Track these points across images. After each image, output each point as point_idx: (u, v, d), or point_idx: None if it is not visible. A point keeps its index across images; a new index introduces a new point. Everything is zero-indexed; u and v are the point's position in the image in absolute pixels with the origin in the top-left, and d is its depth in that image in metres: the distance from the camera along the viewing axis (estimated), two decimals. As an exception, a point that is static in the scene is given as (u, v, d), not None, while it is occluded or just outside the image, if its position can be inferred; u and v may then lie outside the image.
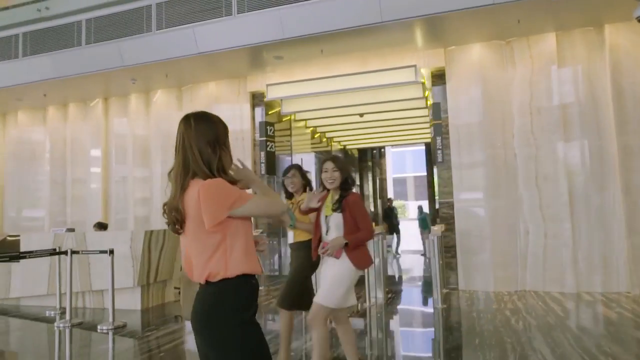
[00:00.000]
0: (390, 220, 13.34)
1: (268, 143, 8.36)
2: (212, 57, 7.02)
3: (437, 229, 6.17)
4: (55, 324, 5.53)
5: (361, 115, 9.26)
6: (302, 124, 10.07)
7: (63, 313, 6.03)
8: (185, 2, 6.85)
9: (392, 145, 14.18)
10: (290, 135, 9.50)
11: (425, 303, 6.37)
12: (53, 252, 5.64)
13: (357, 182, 14.50)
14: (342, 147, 13.24)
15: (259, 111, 8.39)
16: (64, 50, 7.53)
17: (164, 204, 1.70)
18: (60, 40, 7.56)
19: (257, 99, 8.39)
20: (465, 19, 6.18)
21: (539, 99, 6.74)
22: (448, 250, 7.09)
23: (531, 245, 6.66)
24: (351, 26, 6.25)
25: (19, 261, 6.79)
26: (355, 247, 2.94)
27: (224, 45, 6.73)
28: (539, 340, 4.21)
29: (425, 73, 7.44)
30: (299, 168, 3.60)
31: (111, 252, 5.40)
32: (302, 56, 7.22)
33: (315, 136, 11.50)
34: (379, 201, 15.36)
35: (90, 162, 9.21)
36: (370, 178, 14.94)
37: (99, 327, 5.30)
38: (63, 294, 6.20)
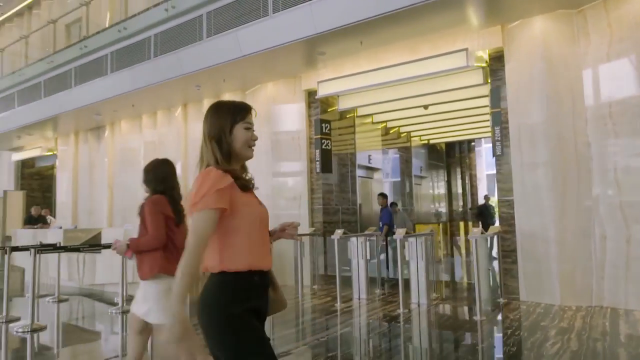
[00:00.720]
0: (484, 218, 12.24)
1: (323, 141, 8.26)
2: (257, 58, 7.15)
3: (477, 230, 5.46)
4: (110, 309, 6.20)
5: (425, 107, 8.63)
6: (368, 120, 9.76)
7: (128, 300, 6.74)
8: (229, 8, 7.11)
9: (482, 139, 12.98)
10: (353, 132, 9.28)
11: (468, 313, 5.67)
12: (106, 246, 6.31)
13: (445, 179, 13.62)
14: (425, 142, 12.52)
15: (314, 109, 8.35)
16: (138, 64, 8.39)
17: None
18: (135, 55, 8.43)
19: (312, 97, 8.35)
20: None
21: (619, 76, 5.55)
22: (508, 254, 6.25)
23: (610, 252, 5.52)
24: (384, 12, 5.81)
25: (100, 252, 7.78)
26: (135, 250, 2.81)
27: (264, 46, 6.81)
28: (562, 369, 3.47)
29: (481, 56, 6.64)
30: None
31: (150, 247, 5.85)
32: (344, 50, 6.98)
33: (391, 132, 11.07)
34: (468, 198, 14.16)
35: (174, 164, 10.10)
36: (458, 174, 13.86)
37: (139, 315, 5.79)
38: (129, 283, 6.96)
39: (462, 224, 13.12)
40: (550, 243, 5.81)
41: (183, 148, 9.99)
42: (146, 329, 2.85)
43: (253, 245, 1.64)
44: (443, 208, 13.52)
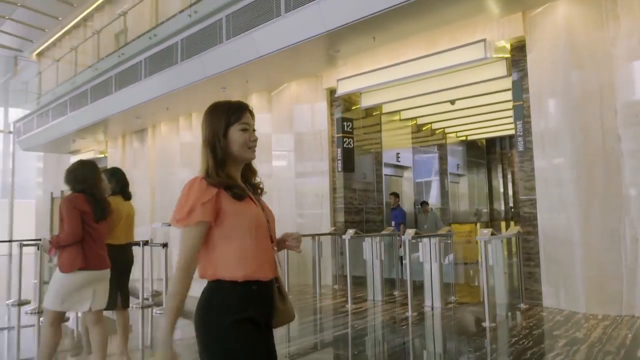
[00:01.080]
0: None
1: (345, 139, 8.17)
2: (273, 58, 7.15)
3: (486, 231, 5.14)
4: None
5: (452, 102, 8.29)
6: (395, 117, 9.54)
7: (155, 295, 7.06)
8: (246, 10, 7.20)
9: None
10: (380, 130, 9.11)
11: (479, 319, 5.34)
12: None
13: (486, 176, 12.99)
14: (462, 138, 12.01)
15: (336, 107, 8.27)
16: (167, 69, 8.71)
17: None
18: (165, 61, 8.77)
19: (333, 95, 8.28)
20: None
21: (653, 61, 5.02)
22: (531, 257, 5.86)
23: (642, 256, 5.01)
24: (393, 5, 5.60)
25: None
26: (56, 247, 2.98)
27: (278, 46, 6.82)
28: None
29: (503, 46, 6.27)
30: (106, 172, 3.70)
31: (165, 245, 6.09)
32: (359, 46, 6.85)
33: (424, 129, 10.74)
34: (510, 197, 13.37)
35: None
36: (500, 171, 13.14)
37: (156, 309, 6.04)
38: (156, 279, 7.31)
39: (503, 224, 12.45)
40: (575, 245, 5.37)
41: (214, 149, 10.24)
42: (89, 319, 3.09)
43: (248, 254, 1.55)
44: (484, 207, 12.91)
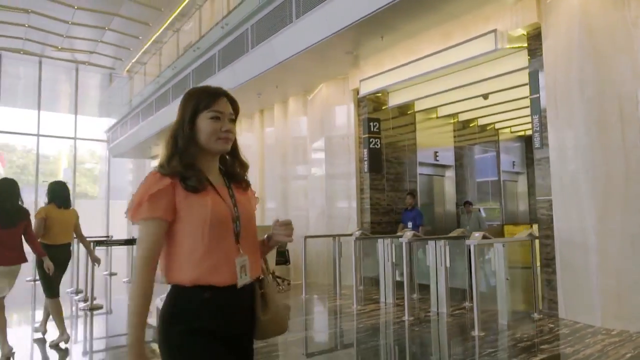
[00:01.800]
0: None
1: (372, 140, 8.10)
2: (291, 63, 7.35)
3: (478, 235, 4.82)
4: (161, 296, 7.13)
5: (485, 97, 7.81)
6: (432, 114, 9.21)
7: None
8: (266, 20, 7.49)
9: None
10: (414, 130, 8.88)
11: (476, 327, 4.98)
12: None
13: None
14: (520, 134, 11.17)
15: (362, 108, 8.24)
16: (208, 79, 9.31)
17: None
18: (205, 71, 9.40)
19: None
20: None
21: (678, 41, 4.36)
22: (549, 263, 5.39)
23: (665, 265, 4.38)
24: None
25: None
26: None
27: (292, 52, 7.00)
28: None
29: (521, 34, 5.82)
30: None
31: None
32: (372, 46, 6.79)
33: (470, 125, 10.22)
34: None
35: (251, 165, 10.89)
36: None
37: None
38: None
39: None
40: (590, 251, 4.84)
41: (260, 150, 10.65)
42: None
43: (197, 255, 1.38)
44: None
